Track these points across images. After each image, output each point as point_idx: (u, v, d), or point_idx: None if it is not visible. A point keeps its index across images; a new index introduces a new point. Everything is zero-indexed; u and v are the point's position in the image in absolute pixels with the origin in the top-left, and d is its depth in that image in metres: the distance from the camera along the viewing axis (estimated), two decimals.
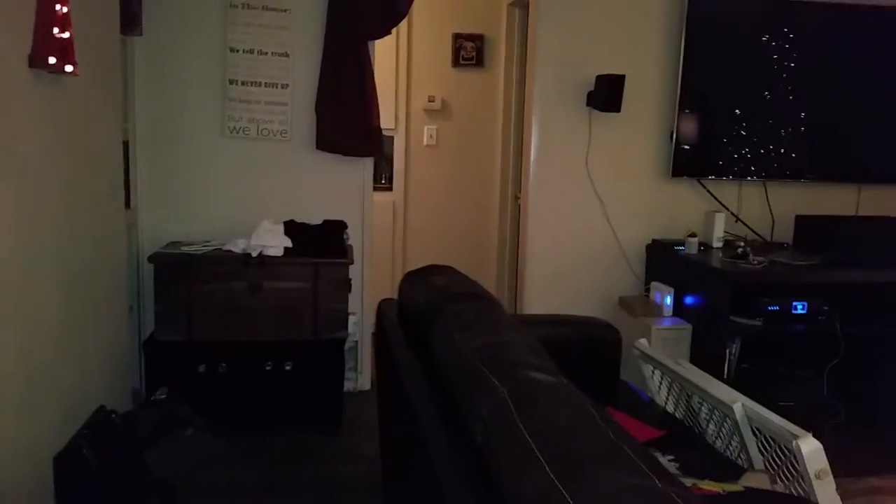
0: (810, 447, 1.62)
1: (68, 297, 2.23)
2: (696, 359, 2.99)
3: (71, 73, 2.05)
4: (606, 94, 3.39)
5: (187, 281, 2.89)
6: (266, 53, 3.19)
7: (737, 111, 3.59)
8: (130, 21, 2.89)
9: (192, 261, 2.91)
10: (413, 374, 1.63)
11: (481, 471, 1.10)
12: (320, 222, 3.25)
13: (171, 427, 2.68)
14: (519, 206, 3.97)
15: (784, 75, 3.58)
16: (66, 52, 2.01)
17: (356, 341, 3.46)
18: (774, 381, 3.06)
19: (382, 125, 3.37)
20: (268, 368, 2.97)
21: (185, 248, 3.01)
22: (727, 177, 3.65)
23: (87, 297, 2.39)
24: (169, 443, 2.62)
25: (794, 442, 1.64)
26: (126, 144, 2.98)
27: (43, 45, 1.92)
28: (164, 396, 2.82)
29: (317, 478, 2.66)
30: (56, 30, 1.95)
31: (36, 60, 1.91)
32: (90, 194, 2.43)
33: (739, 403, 1.88)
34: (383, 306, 2.22)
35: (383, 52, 4.04)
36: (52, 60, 1.94)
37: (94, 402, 2.40)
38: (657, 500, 0.82)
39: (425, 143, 4.60)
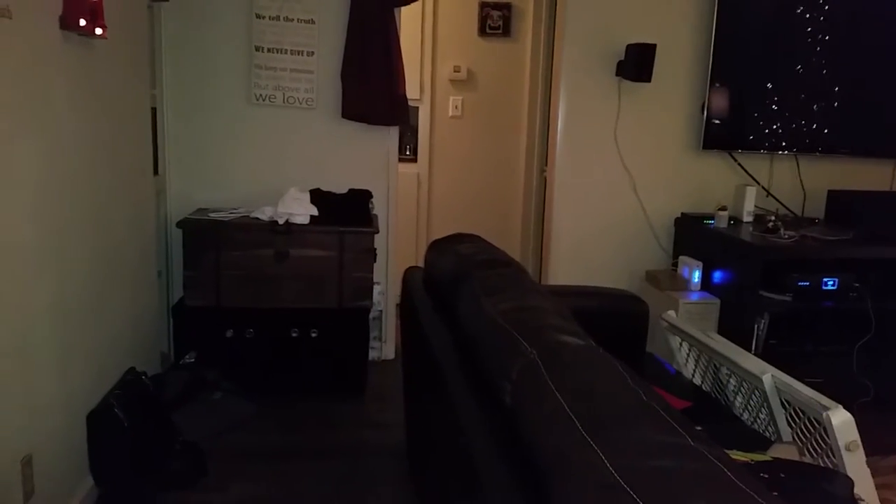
0: (841, 419, 1.60)
1: (99, 260, 2.25)
2: (724, 334, 2.92)
3: (100, 35, 2.05)
4: (637, 63, 3.33)
5: (215, 247, 2.92)
6: (292, 20, 3.17)
7: (769, 84, 3.51)
8: None
9: (220, 227, 2.93)
10: (439, 338, 1.63)
11: (510, 432, 1.10)
12: (346, 191, 3.25)
13: (199, 390, 2.72)
14: (545, 178, 3.93)
15: (818, 48, 3.49)
16: (95, 14, 2.01)
17: (380, 311, 3.48)
18: (803, 358, 3.02)
19: (408, 95, 3.35)
20: (294, 335, 3.00)
21: (212, 215, 3.03)
22: (759, 150, 3.58)
23: (116, 261, 2.42)
24: (197, 405, 2.67)
25: (824, 413, 1.62)
26: (154, 111, 2.99)
27: (74, 6, 1.92)
28: (192, 360, 2.86)
29: (341, 443, 2.69)
30: None
31: (67, 22, 1.92)
32: (119, 158, 2.45)
33: (769, 374, 1.86)
34: (409, 273, 2.22)
35: (409, 21, 4.00)
36: (82, 22, 1.94)
37: (125, 364, 2.44)
38: (690, 458, 0.81)
39: (450, 114, 4.56)
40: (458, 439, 1.24)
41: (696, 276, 3.24)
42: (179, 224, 2.95)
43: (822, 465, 1.69)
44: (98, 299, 2.25)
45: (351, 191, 3.25)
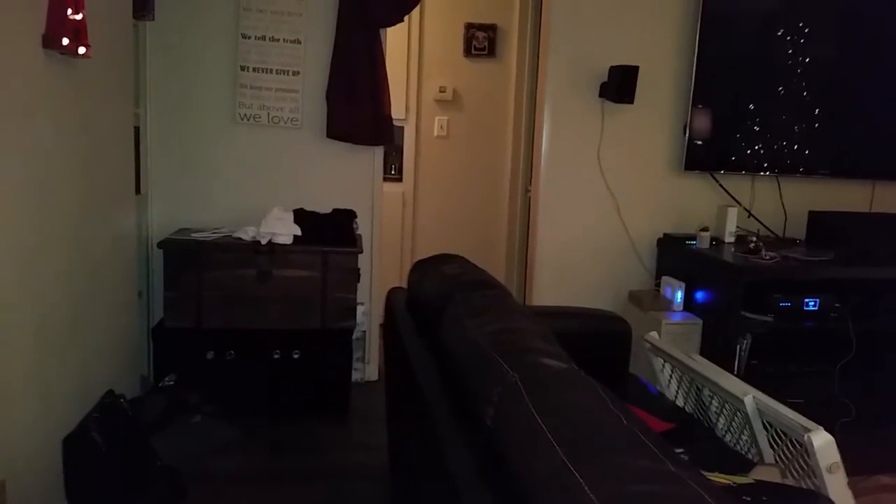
0: (822, 440, 1.60)
1: (78, 280, 2.23)
2: (706, 354, 2.94)
3: (84, 55, 2.04)
4: (620, 85, 3.36)
5: (197, 268, 2.90)
6: (278, 40, 3.19)
7: (751, 106, 3.56)
8: (143, 5, 2.89)
9: (201, 248, 2.91)
10: (422, 360, 1.62)
11: (491, 455, 1.10)
12: (330, 211, 3.24)
13: (178, 413, 2.68)
14: (529, 198, 3.95)
15: (798, 70, 3.55)
16: (79, 33, 2.00)
17: (364, 331, 3.46)
18: (785, 378, 3.04)
19: (393, 115, 3.36)
20: (276, 357, 2.97)
21: (194, 235, 3.01)
22: (740, 171, 3.62)
23: (96, 282, 2.40)
24: (177, 429, 2.63)
25: (805, 435, 1.62)
26: (137, 130, 2.97)
27: (57, 26, 1.92)
28: (172, 383, 2.83)
29: (324, 466, 2.66)
30: (70, 11, 1.94)
31: (49, 41, 1.91)
32: (101, 178, 2.44)
33: (751, 396, 1.86)
34: (393, 294, 2.21)
35: (394, 41, 4.03)
36: (65, 42, 1.93)
37: (103, 387, 2.40)
38: (670, 483, 0.81)
39: (436, 134, 4.58)
40: (441, 463, 1.22)
41: (679, 296, 3.26)
42: (161, 244, 2.92)
43: (804, 486, 1.69)
44: (76, 320, 2.22)
45: (335, 210, 3.25)
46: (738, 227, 3.52)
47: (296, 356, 2.98)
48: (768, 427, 1.86)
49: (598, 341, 2.34)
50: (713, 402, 2.15)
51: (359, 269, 3.11)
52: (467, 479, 1.11)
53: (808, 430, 1.63)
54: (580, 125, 3.53)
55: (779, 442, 1.82)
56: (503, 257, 4.61)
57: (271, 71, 3.21)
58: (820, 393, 2.98)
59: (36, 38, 1.89)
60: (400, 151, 4.54)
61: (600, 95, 3.49)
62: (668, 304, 3.28)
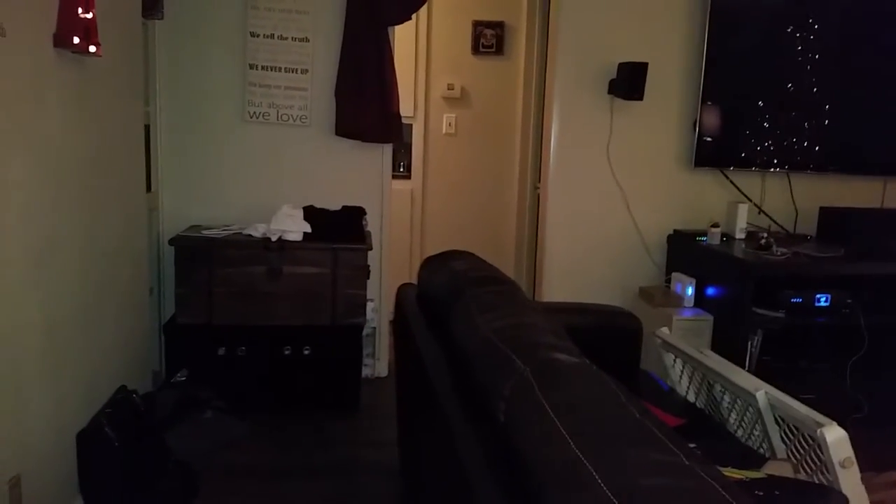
0: (835, 435, 1.59)
1: (89, 277, 2.24)
2: (717, 350, 2.92)
3: (94, 53, 2.06)
4: (629, 81, 3.35)
5: (208, 265, 2.91)
6: (286, 38, 3.19)
7: (760, 102, 3.54)
8: (152, 4, 2.90)
9: (212, 245, 2.93)
10: (433, 356, 1.62)
11: (504, 449, 1.10)
12: (339, 208, 3.25)
13: (190, 409, 2.69)
14: (538, 195, 3.95)
15: (808, 66, 3.53)
16: (89, 32, 2.02)
17: (374, 328, 3.46)
18: (796, 374, 3.02)
19: (401, 112, 3.36)
20: (286, 353, 2.98)
21: (205, 232, 3.02)
22: (750, 168, 3.60)
23: (108, 279, 2.41)
24: (189, 424, 2.64)
25: (818, 430, 1.62)
26: (147, 128, 2.99)
27: (67, 25, 1.93)
28: (183, 379, 2.84)
29: (334, 461, 2.67)
30: (80, 10, 1.96)
31: (60, 40, 1.92)
32: (112, 176, 2.45)
33: (763, 391, 1.85)
34: (403, 290, 2.22)
35: (402, 39, 4.01)
36: (76, 40, 1.95)
37: (115, 382, 2.42)
38: (683, 476, 0.81)
39: (444, 131, 4.58)
40: (452, 457, 1.23)
41: (690, 292, 3.25)
42: (172, 241, 2.94)
43: (816, 481, 1.69)
44: (89, 317, 2.24)
45: (344, 207, 3.25)
46: (748, 223, 3.51)
47: (306, 352, 2.99)
48: (780, 422, 1.85)
49: (609, 337, 2.34)
50: (725, 397, 2.14)
51: (368, 266, 3.11)
52: (479, 473, 1.12)
53: (820, 425, 1.62)
54: (589, 122, 3.52)
55: (791, 437, 1.81)
56: (512, 253, 4.60)
57: (280, 69, 3.21)
58: (831, 389, 2.97)
59: (47, 37, 1.90)
60: (408, 149, 4.54)
61: (609, 92, 3.48)
62: (678, 300, 3.27)
